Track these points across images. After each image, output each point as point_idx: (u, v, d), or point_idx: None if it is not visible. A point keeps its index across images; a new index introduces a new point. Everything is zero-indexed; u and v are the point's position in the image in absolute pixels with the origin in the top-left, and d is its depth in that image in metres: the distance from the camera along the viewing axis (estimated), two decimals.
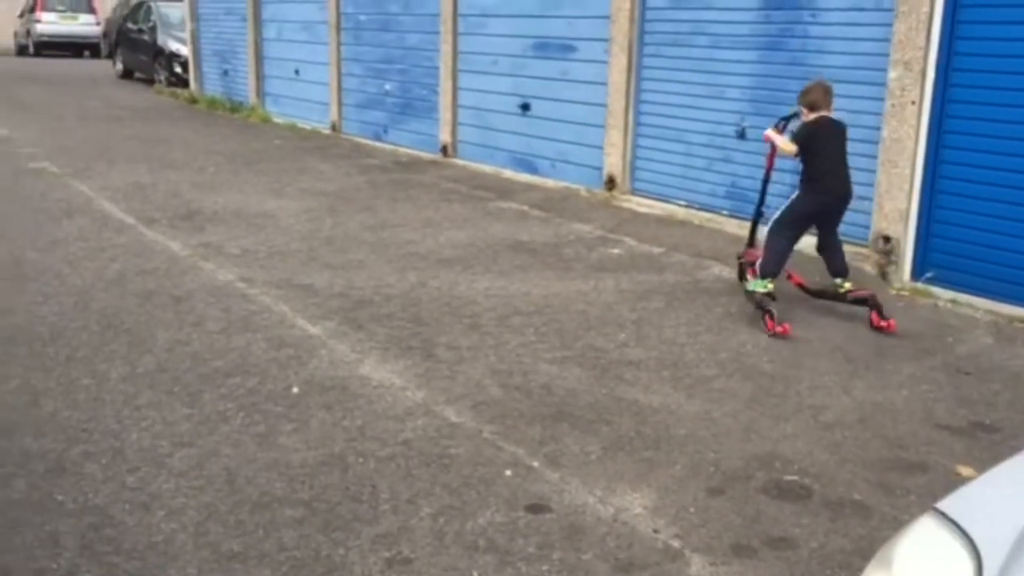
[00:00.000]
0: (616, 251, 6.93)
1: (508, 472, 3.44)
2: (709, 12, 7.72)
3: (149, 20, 19.85)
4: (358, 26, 12.48)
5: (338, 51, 12.86)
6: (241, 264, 6.17)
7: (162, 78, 19.00)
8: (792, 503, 3.32)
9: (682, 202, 8.16)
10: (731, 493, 3.37)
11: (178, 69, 18.55)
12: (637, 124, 8.51)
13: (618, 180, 8.66)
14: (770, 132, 5.58)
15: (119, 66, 21.62)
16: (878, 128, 6.40)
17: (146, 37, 19.92)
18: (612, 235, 7.39)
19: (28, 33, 27.88)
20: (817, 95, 5.38)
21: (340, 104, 13.04)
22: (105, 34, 26.23)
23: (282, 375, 4.31)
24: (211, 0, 16.77)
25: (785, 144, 5.40)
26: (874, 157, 6.45)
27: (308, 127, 13.64)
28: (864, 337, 5.14)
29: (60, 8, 27.46)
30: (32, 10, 27.61)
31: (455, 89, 10.73)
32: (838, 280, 5.51)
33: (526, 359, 4.63)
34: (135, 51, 20.67)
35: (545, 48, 9.40)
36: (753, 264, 5.55)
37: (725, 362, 4.68)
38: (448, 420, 3.88)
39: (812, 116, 5.37)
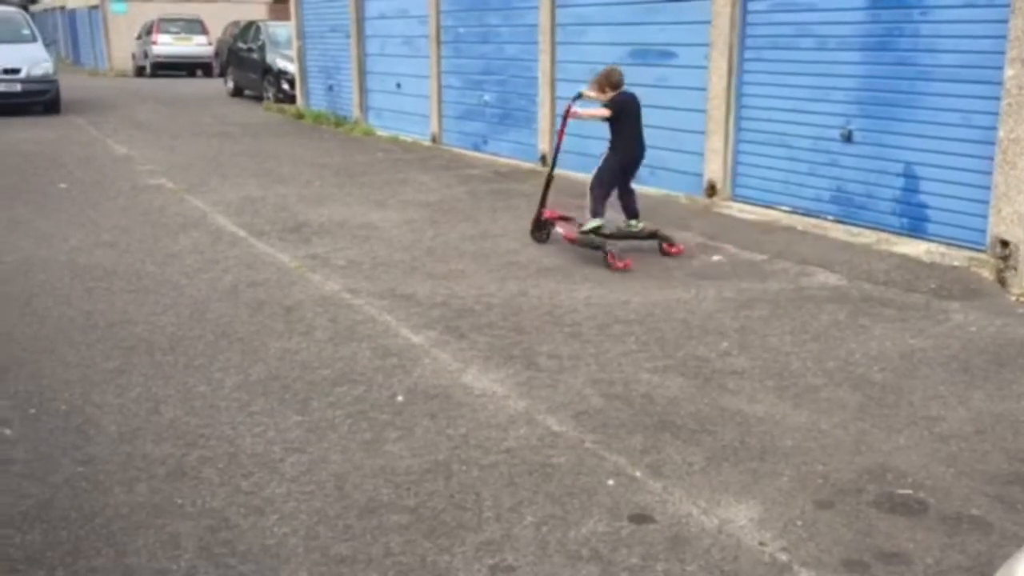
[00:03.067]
0: (717, 258, 6.83)
1: (611, 481, 3.44)
2: (813, 13, 7.56)
3: (258, 40, 20.56)
4: (457, 39, 12.66)
5: (438, 64, 13.07)
6: (347, 275, 6.33)
7: (270, 95, 19.64)
8: (906, 517, 3.22)
9: (785, 208, 8.00)
10: (841, 506, 3.28)
11: (285, 86, 19.16)
12: (738, 129, 8.39)
13: (719, 186, 8.54)
14: (577, 109, 7.01)
15: (230, 84, 22.46)
16: (994, 128, 6.16)
17: (255, 56, 20.64)
18: (713, 242, 7.30)
19: (145, 55, 29.26)
20: (619, 76, 6.93)
21: (440, 116, 13.25)
22: (216, 54, 27.30)
23: (387, 383, 4.40)
24: (316, 18, 17.28)
25: (598, 111, 6.87)
26: (990, 159, 6.21)
27: (409, 139, 13.89)
28: (983, 346, 4.94)
29: (174, 30, 28.73)
30: (149, 33, 28.97)
31: (553, 98, 10.76)
32: (632, 222, 7.05)
33: (627, 368, 4.61)
34: (245, 70, 21.44)
35: (643, 55, 9.36)
36: (552, 221, 7.18)
37: (833, 371, 4.56)
38: (550, 429, 3.90)
39: (614, 93, 6.83)
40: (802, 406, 4.15)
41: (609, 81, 6.90)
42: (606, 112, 6.79)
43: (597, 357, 4.76)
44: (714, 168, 8.56)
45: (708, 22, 8.38)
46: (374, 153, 12.72)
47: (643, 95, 9.33)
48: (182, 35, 28.82)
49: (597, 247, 6.63)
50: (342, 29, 15.95)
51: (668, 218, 8.18)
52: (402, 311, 5.52)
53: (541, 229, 7.34)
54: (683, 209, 8.56)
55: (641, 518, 3.19)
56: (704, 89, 8.53)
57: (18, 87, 16.37)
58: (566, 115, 7.06)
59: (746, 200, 8.39)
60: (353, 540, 3.04)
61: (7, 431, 3.83)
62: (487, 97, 12.14)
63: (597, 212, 6.85)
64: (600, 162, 6.98)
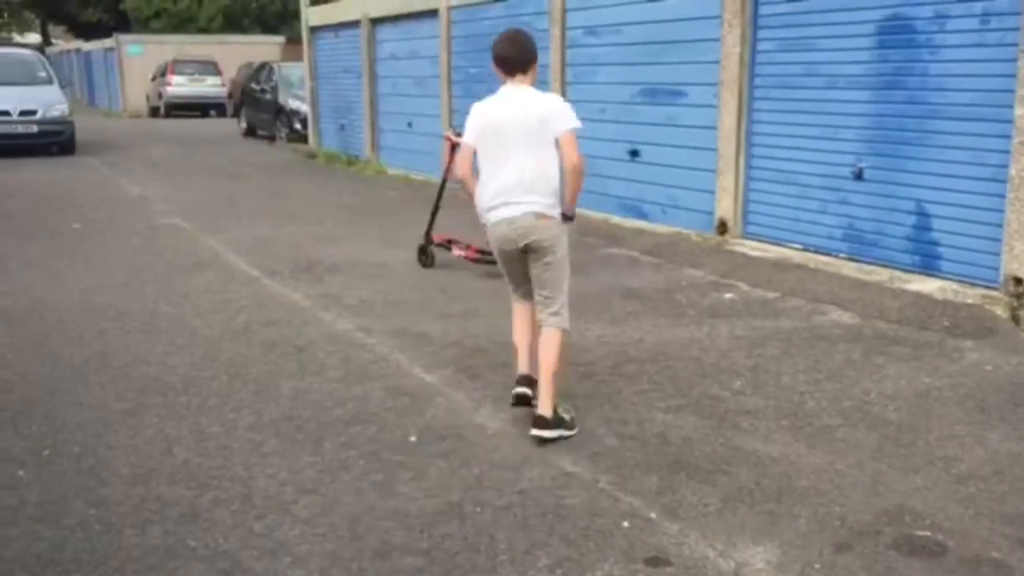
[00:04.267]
0: (730, 296, 6.83)
1: (626, 523, 3.41)
2: (821, 53, 7.61)
3: (271, 80, 20.81)
4: (468, 78, 12.79)
5: (449, 103, 13.19)
6: (359, 314, 6.34)
7: (283, 135, 19.84)
8: (925, 560, 3.18)
9: (797, 245, 8.00)
10: (859, 549, 3.24)
11: (298, 126, 19.35)
12: (749, 167, 8.42)
13: (730, 224, 8.56)
14: (454, 137, 7.26)
15: (243, 124, 22.70)
16: (1005, 166, 6.16)
17: (268, 96, 20.88)
18: (725, 280, 7.29)
19: (160, 96, 29.64)
20: None
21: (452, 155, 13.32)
22: (230, 95, 27.62)
23: (400, 423, 4.39)
24: (329, 60, 17.50)
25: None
26: (1002, 196, 6.21)
27: (421, 178, 13.97)
28: (999, 385, 4.90)
29: (189, 72, 29.11)
30: (163, 74, 29.37)
31: None
32: None
33: (641, 408, 4.59)
34: (258, 110, 21.68)
35: (653, 94, 9.43)
36: (432, 245, 7.79)
37: (848, 411, 4.53)
38: (564, 469, 3.88)
39: None
40: (817, 446, 4.11)
41: None
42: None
43: (610, 396, 4.74)
44: (725, 206, 8.58)
45: (718, 62, 8.45)
46: (385, 192, 12.80)
47: (654, 134, 9.46)
48: (196, 76, 29.20)
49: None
50: (354, 70, 16.15)
51: (679, 256, 8.20)
52: (415, 350, 5.52)
53: (425, 253, 7.89)
54: (694, 247, 8.57)
55: (657, 561, 3.15)
56: (714, 128, 8.57)
57: (34, 128, 16.58)
58: (452, 146, 7.52)
59: (757, 238, 8.39)
60: None
61: (20, 472, 3.83)
62: None
63: None
64: None
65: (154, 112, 30.23)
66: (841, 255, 7.60)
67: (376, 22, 15.25)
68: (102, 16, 43.16)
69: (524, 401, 4.35)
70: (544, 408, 4.18)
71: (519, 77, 4.48)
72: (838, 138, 7.54)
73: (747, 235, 8.51)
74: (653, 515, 3.48)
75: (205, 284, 7.19)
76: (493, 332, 5.87)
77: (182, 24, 36.86)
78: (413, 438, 4.21)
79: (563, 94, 10.67)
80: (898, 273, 7.08)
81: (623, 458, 3.99)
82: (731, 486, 3.71)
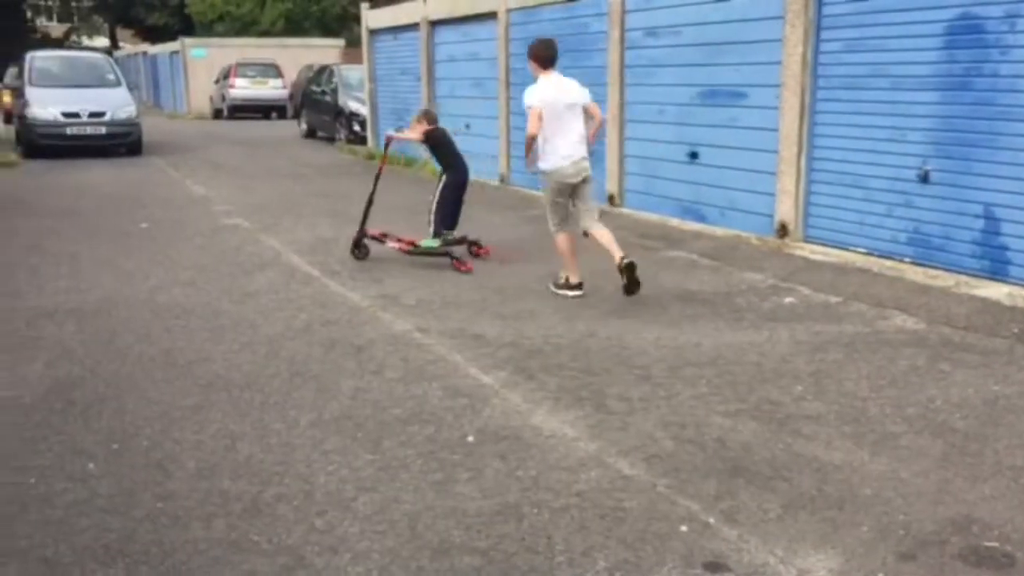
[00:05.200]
0: (790, 300, 6.74)
1: (684, 528, 3.39)
2: (887, 54, 7.48)
3: (331, 83, 21.07)
4: (526, 81, 12.78)
5: (507, 105, 13.23)
6: (416, 314, 6.39)
7: (342, 136, 20.08)
8: (992, 571, 3.11)
9: (860, 249, 7.86)
10: (924, 559, 3.18)
11: (357, 127, 19.56)
12: (811, 170, 8.30)
13: (791, 227, 8.45)
14: (395, 134, 8.88)
15: (303, 126, 23.02)
16: None
17: (328, 98, 21.15)
18: (785, 284, 7.20)
19: (223, 98, 30.19)
20: (433, 115, 8.77)
21: (509, 156, 13.38)
22: (291, 97, 28.03)
23: (457, 424, 4.42)
24: (388, 62, 17.66)
25: (411, 135, 8.65)
26: None
27: (477, 180, 14.02)
28: None
29: (251, 74, 29.61)
30: (226, 77, 29.90)
31: (621, 139, 10.81)
32: (452, 232, 8.21)
33: (699, 411, 4.56)
34: (318, 112, 21.97)
35: (713, 96, 9.35)
36: (366, 238, 8.19)
37: (912, 418, 4.45)
38: (621, 472, 3.87)
39: (431, 127, 8.43)
40: (881, 453, 4.04)
41: (429, 117, 8.65)
42: (419, 137, 8.48)
43: (668, 400, 4.72)
44: (785, 209, 8.47)
45: (779, 63, 8.35)
46: None
47: (713, 136, 9.38)
48: (258, 79, 29.67)
49: (443, 254, 7.91)
50: (413, 72, 16.28)
51: (738, 259, 8.12)
52: (471, 351, 5.56)
53: (359, 247, 8.22)
54: (753, 250, 8.48)
55: (716, 566, 3.13)
56: (775, 130, 8.47)
57: (103, 130, 17.03)
58: (387, 143, 8.73)
59: (819, 241, 8.28)
60: None
61: (91, 465, 3.94)
62: None
63: (439, 232, 8.15)
64: (440, 189, 8.33)
65: (217, 114, 30.80)
66: (906, 259, 7.46)
67: (435, 24, 15.36)
68: (168, 20, 44.20)
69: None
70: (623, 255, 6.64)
71: (551, 69, 6.85)
72: (904, 140, 7.40)
73: (808, 238, 8.39)
74: (711, 520, 3.45)
75: (267, 283, 7.32)
76: (548, 334, 5.88)
77: (245, 27, 37.53)
78: (470, 438, 4.24)
79: (621, 96, 10.67)
80: (965, 278, 6.93)
81: (681, 462, 3.97)
82: (792, 492, 3.67)
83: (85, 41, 57.11)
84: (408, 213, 9.92)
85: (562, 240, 6.92)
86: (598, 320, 6.21)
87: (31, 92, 17.09)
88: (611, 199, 11.03)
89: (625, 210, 10.83)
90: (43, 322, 6.14)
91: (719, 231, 9.29)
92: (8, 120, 23.24)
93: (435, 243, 8.08)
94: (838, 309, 6.46)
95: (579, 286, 6.88)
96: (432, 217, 8.31)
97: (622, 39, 10.59)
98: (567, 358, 5.41)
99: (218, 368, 5.24)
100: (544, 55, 6.80)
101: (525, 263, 8.09)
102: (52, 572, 3.10)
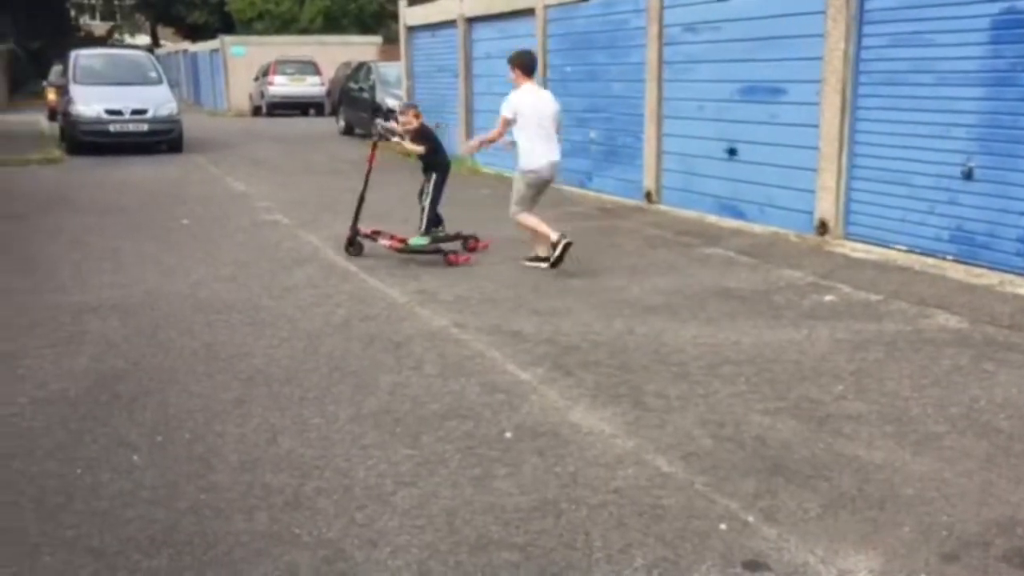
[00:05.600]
0: (830, 298, 6.67)
1: (723, 526, 3.38)
2: (932, 49, 7.37)
3: (369, 79, 21.19)
4: (564, 77, 12.79)
5: None
6: (454, 310, 6.42)
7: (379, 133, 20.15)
8: None
9: (901, 247, 7.77)
10: (967, 560, 3.14)
11: (394, 125, 19.63)
12: (852, 166, 8.21)
13: (830, 224, 8.36)
14: (387, 126, 8.91)
15: (341, 123, 23.17)
16: None
17: (366, 95, 21.26)
18: (825, 282, 7.13)
19: (262, 95, 30.47)
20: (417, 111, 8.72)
21: None
22: (328, 93, 28.22)
23: (495, 419, 4.44)
24: (425, 59, 17.73)
25: (411, 125, 8.54)
26: None
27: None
28: None
29: (290, 72, 29.86)
30: (266, 74, 30.18)
31: (659, 135, 10.76)
32: (440, 228, 8.44)
33: (737, 409, 4.54)
34: (355, 108, 22.09)
35: (752, 92, 9.27)
36: (359, 236, 8.21)
37: (955, 418, 4.39)
38: (659, 470, 3.86)
39: (418, 123, 8.51)
40: (923, 453, 4.00)
41: (415, 111, 8.74)
42: (420, 150, 8.47)
43: (706, 398, 4.70)
44: (825, 206, 8.39)
45: (820, 58, 8.26)
46: (479, 190, 12.91)
47: (752, 132, 9.31)
48: (297, 76, 29.92)
49: (433, 252, 7.98)
50: (450, 69, 16.32)
51: (777, 256, 8.05)
52: (509, 347, 5.57)
53: (353, 244, 8.25)
54: (792, 247, 8.40)
55: (755, 565, 3.12)
56: (816, 126, 8.39)
57: (145, 127, 17.27)
58: (373, 146, 8.60)
59: (859, 239, 8.18)
60: None
61: (135, 457, 4.00)
62: (593, 134, 12.21)
63: (429, 230, 8.27)
64: (431, 190, 8.36)
65: (256, 111, 31.09)
66: (948, 257, 7.35)
67: (472, 21, 15.38)
68: (208, 18, 44.70)
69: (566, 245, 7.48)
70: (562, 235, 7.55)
71: (531, 79, 7.74)
72: (947, 136, 7.30)
73: (848, 236, 8.30)
74: (751, 518, 3.43)
75: (306, 279, 7.38)
76: (586, 331, 5.87)
77: (284, 25, 37.86)
78: (508, 434, 4.25)
79: (659, 92, 10.62)
80: (1009, 277, 6.82)
81: (719, 460, 3.95)
82: (832, 492, 3.64)
83: (127, 39, 57.98)
84: (457, 211, 9.93)
85: (526, 218, 7.78)
86: (635, 317, 6.19)
87: (75, 90, 17.38)
88: (648, 196, 10.99)
89: (662, 207, 10.78)
90: (88, 317, 6.25)
91: (757, 228, 9.22)
92: (53, 117, 23.67)
93: (424, 241, 8.14)
94: (879, 307, 6.39)
95: (547, 259, 7.64)
96: (425, 215, 8.36)
97: (660, 35, 10.54)
98: (604, 355, 5.40)
99: (258, 363, 5.30)
100: (529, 65, 7.71)
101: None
102: (99, 562, 3.16)
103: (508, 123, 7.58)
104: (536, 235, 7.80)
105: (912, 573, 3.07)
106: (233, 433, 4.27)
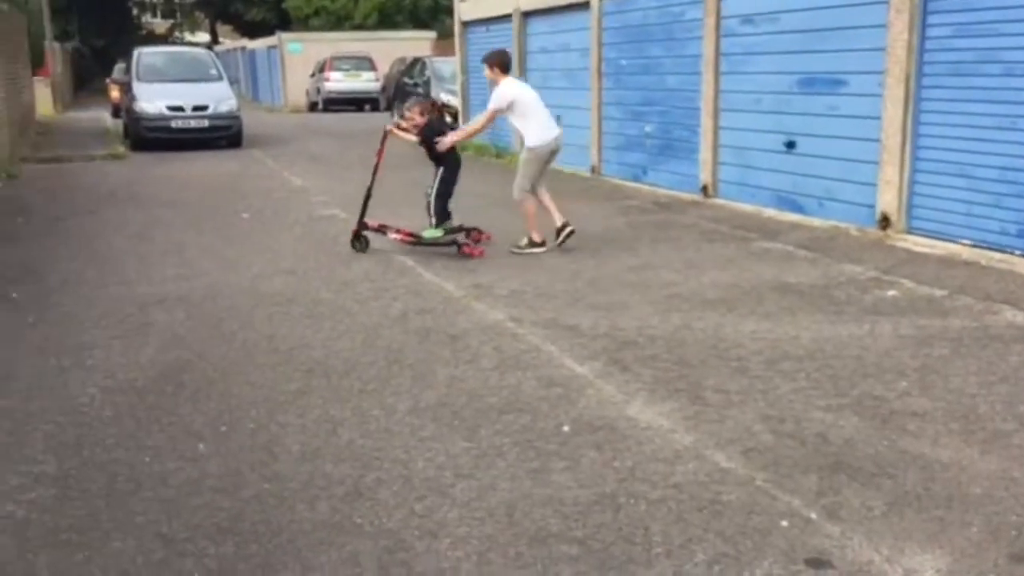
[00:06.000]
0: (892, 293, 6.55)
1: (784, 523, 3.34)
2: (1000, 39, 7.18)
3: (423, 75, 21.32)
4: (619, 71, 12.73)
5: (599, 96, 13.17)
6: (510, 304, 6.43)
7: None
8: None
9: (966, 241, 7.59)
10: None
11: (448, 119, 19.72)
12: (915, 159, 8.04)
13: (893, 218, 8.20)
14: (397, 132, 8.70)
15: (395, 118, 23.30)
16: None
17: (420, 90, 21.36)
18: (887, 276, 7.01)
19: (318, 91, 30.83)
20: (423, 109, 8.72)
21: (600, 147, 13.32)
22: (383, 89, 28.44)
23: (552, 413, 4.44)
24: (480, 54, 17.69)
25: (407, 136, 8.62)
26: None
27: (568, 171, 14.00)
28: None
29: (346, 67, 30.16)
30: (322, 70, 30.53)
31: (716, 128, 10.65)
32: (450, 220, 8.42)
33: (798, 405, 4.48)
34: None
35: (812, 83, 9.13)
36: (368, 230, 8.29)
37: None
38: (719, 465, 3.83)
39: (422, 120, 8.53)
40: (991, 452, 3.91)
41: (423, 107, 8.81)
42: (413, 138, 8.60)
43: (766, 393, 4.65)
44: (888, 199, 8.23)
45: (883, 49, 8.10)
46: None
47: (811, 124, 9.17)
48: (352, 72, 30.20)
49: (448, 244, 8.07)
50: None
51: (837, 250, 7.93)
52: (565, 341, 5.57)
53: (359, 239, 8.27)
54: (853, 242, 8.27)
55: (818, 562, 3.08)
56: (878, 118, 8.23)
57: (205, 123, 17.58)
58: (382, 141, 8.56)
59: (923, 233, 8.02)
60: (524, 569, 3.07)
61: (201, 446, 4.09)
62: (648, 128, 12.14)
63: (441, 222, 8.27)
64: (438, 182, 8.38)
65: (312, 107, 31.46)
66: (1016, 252, 7.17)
67: (527, 15, 15.38)
68: (266, 15, 45.30)
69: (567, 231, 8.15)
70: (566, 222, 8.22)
71: (508, 74, 8.36)
72: (1015, 128, 7.11)
73: (911, 230, 8.14)
74: (813, 515, 3.39)
75: (363, 273, 7.46)
76: (642, 325, 5.85)
77: (339, 22, 38.24)
78: (566, 428, 4.26)
79: (716, 84, 10.51)
80: None
81: (780, 456, 3.91)
82: (897, 490, 3.58)
83: (187, 37, 59.04)
84: (507, 206, 9.96)
85: (530, 204, 8.17)
86: (693, 312, 6.15)
87: (138, 87, 17.75)
88: (704, 189, 10.89)
89: (719, 200, 10.68)
90: (153, 309, 6.39)
91: (817, 222, 9.08)
92: (116, 114, 24.21)
93: (439, 233, 8.18)
94: (944, 303, 6.25)
95: (543, 243, 8.11)
96: (432, 208, 8.34)
97: (718, 26, 10.42)
98: (662, 350, 5.38)
99: (318, 355, 5.37)
100: (507, 63, 8.42)
101: (618, 253, 8.06)
102: (167, 548, 3.23)
103: (496, 114, 8.16)
104: (530, 220, 8.15)
105: (981, 574, 3.01)
106: (294, 424, 4.33)
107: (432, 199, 8.36)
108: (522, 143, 8.38)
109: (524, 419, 4.37)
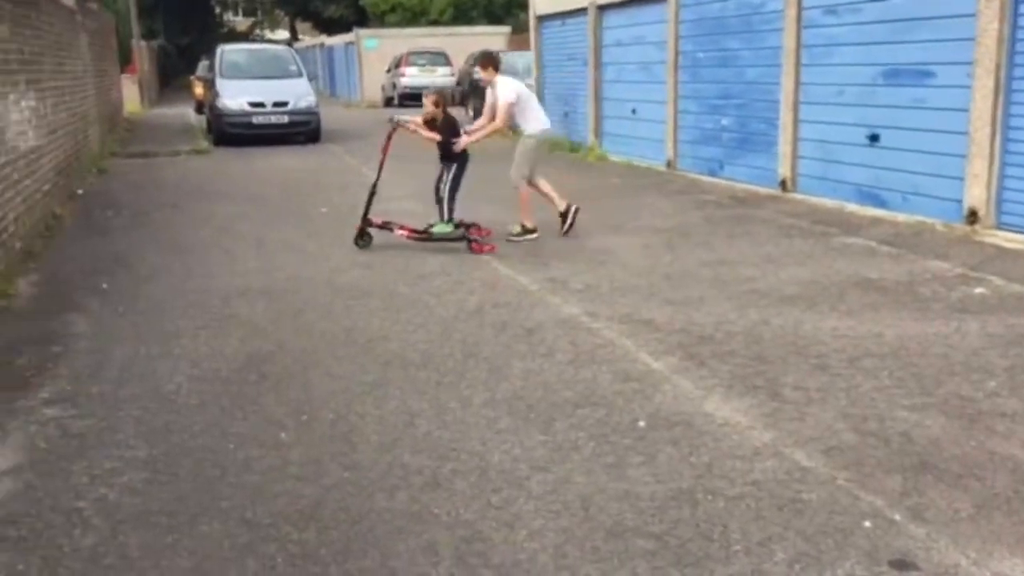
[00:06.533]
0: (980, 291, 6.35)
1: (867, 523, 3.27)
2: None
3: None
4: (696, 63, 12.59)
5: (675, 89, 13.05)
6: (584, 299, 6.43)
7: None
8: None
9: None
10: None
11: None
12: (1005, 152, 7.78)
13: (981, 213, 7.95)
14: (405, 120, 8.66)
15: (470, 113, 23.43)
16: None
17: None
18: (975, 273, 6.80)
19: (394, 86, 31.15)
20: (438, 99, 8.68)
21: (676, 141, 13.20)
22: (458, 83, 28.60)
23: (628, 408, 4.43)
24: (554, 48, 17.74)
25: (429, 135, 8.52)
26: None
27: (643, 165, 13.92)
28: None
29: (421, 63, 30.43)
30: (398, 66, 30.85)
31: (796, 122, 10.45)
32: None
33: (881, 404, 4.38)
34: (484, 98, 22.29)
35: (897, 75, 8.90)
36: (372, 227, 8.27)
37: None
38: (799, 463, 3.77)
39: (438, 112, 8.50)
40: None
41: (439, 98, 8.72)
42: (436, 136, 8.49)
43: (847, 391, 4.56)
44: (976, 194, 7.98)
45: (972, 39, 7.85)
46: (609, 178, 12.86)
47: (896, 117, 8.94)
48: (427, 67, 30.44)
49: (459, 239, 8.10)
50: (580, 57, 16.28)
51: (922, 246, 7.72)
52: (641, 336, 5.54)
53: (363, 236, 8.30)
54: (939, 237, 8.04)
55: (903, 564, 3.01)
56: (966, 110, 7.98)
57: (285, 119, 17.93)
58: (392, 131, 8.55)
59: (1013, 228, 7.75)
60: (601, 563, 3.07)
61: (283, 435, 4.19)
62: (725, 121, 11.97)
63: (451, 217, 8.32)
64: (450, 179, 8.40)
65: (388, 102, 31.79)
66: None
67: (603, 9, 15.30)
68: (344, 12, 45.99)
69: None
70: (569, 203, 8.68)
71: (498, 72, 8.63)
72: None
73: (1001, 225, 7.88)
74: (897, 516, 3.32)
75: (439, 266, 7.53)
76: (719, 320, 5.79)
77: (415, 17, 38.59)
78: (642, 423, 4.24)
79: (796, 76, 10.32)
80: None
81: (863, 455, 3.83)
82: (985, 492, 3.48)
83: (267, 34, 60.28)
84: (582, 201, 9.92)
85: (525, 191, 8.53)
86: (771, 308, 6.06)
87: (221, 84, 18.19)
88: (783, 183, 10.70)
89: (798, 195, 10.48)
90: (236, 300, 6.55)
91: (900, 217, 8.85)
92: (200, 110, 24.85)
93: (448, 228, 8.23)
94: None
95: (535, 230, 8.45)
96: (445, 203, 8.36)
97: (799, 18, 10.22)
98: (739, 345, 5.31)
99: (395, 347, 5.44)
100: (499, 62, 8.81)
101: (694, 248, 7.98)
102: (252, 532, 3.32)
103: (511, 107, 8.38)
104: (524, 208, 8.50)
105: None
106: (373, 414, 4.40)
107: (445, 195, 8.39)
108: (520, 134, 8.78)
109: (599, 413, 4.37)
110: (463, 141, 8.41)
